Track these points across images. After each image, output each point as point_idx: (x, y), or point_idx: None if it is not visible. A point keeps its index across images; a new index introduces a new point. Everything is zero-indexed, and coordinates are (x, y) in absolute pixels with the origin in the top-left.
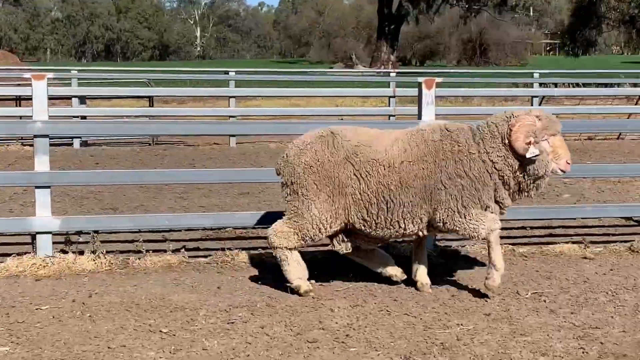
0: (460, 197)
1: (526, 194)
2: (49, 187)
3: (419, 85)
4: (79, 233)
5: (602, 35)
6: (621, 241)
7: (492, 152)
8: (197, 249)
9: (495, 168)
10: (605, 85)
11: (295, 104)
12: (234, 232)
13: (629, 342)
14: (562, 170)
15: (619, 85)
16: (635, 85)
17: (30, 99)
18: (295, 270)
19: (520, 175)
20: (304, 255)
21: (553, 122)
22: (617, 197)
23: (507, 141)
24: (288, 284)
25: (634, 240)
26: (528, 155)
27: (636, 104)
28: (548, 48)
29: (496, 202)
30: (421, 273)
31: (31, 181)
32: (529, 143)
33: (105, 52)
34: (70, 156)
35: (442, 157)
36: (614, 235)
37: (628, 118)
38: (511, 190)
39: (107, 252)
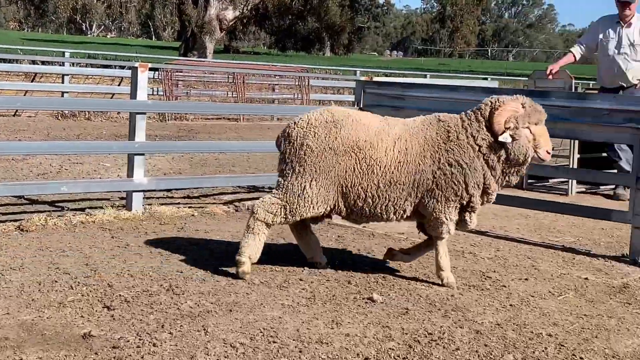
0: (445, 187)
1: (507, 179)
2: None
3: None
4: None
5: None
6: (11, 220)
7: (477, 136)
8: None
9: (480, 152)
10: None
11: None
12: None
13: (12, 325)
14: (541, 159)
15: (18, 61)
16: (34, 62)
17: None
18: (253, 249)
19: (504, 160)
20: None
21: (537, 111)
22: (9, 175)
23: (488, 124)
24: (237, 256)
25: (23, 219)
26: (500, 139)
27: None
28: None
29: (483, 189)
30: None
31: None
32: (508, 127)
33: None
34: None
35: (437, 150)
36: (4, 214)
37: (25, 95)
38: (497, 176)
39: None
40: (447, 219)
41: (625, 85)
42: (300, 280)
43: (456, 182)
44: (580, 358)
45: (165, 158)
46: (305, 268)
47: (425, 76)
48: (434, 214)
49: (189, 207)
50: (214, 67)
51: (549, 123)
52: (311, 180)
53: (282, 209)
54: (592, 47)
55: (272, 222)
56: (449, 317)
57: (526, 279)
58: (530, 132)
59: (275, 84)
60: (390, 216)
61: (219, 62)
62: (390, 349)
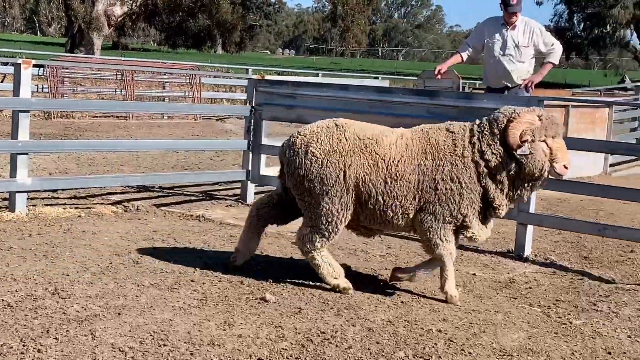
0: (442, 202)
1: (520, 194)
2: None
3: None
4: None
5: None
6: None
7: (487, 150)
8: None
9: (488, 167)
10: None
11: None
12: None
13: None
14: (558, 174)
15: None
16: None
17: None
18: (331, 272)
19: (515, 174)
20: None
21: (554, 124)
22: None
23: (503, 137)
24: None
25: None
26: (518, 153)
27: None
28: None
29: (488, 204)
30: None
31: None
32: (525, 141)
33: None
34: None
35: (441, 157)
36: None
37: None
38: (506, 190)
39: None
40: (442, 240)
41: (510, 85)
42: (192, 281)
43: (452, 201)
44: (469, 353)
45: (51, 157)
46: (197, 269)
47: (317, 75)
48: (428, 233)
49: (76, 208)
50: (102, 63)
51: (438, 122)
52: (326, 192)
53: (315, 235)
54: (479, 48)
55: (319, 247)
56: (341, 315)
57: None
58: (547, 145)
59: (166, 82)
60: (398, 220)
61: (107, 59)
62: (283, 349)
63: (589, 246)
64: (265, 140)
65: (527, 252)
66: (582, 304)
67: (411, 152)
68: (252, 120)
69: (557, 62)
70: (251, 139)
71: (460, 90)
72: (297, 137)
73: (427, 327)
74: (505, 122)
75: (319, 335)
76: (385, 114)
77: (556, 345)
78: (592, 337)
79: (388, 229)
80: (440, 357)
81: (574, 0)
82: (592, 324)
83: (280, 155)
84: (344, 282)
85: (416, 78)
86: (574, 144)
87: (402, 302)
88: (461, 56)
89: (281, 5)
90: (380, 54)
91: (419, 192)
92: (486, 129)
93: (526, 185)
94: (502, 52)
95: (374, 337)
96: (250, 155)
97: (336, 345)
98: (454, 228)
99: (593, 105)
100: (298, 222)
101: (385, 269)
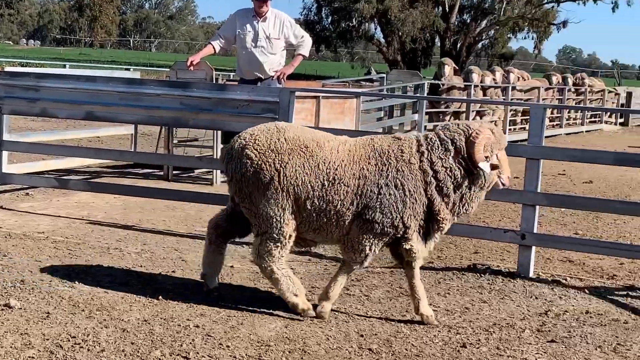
0: (385, 207)
1: (466, 207)
2: None
3: None
4: None
5: None
6: None
7: (437, 162)
8: None
9: (435, 178)
10: None
11: None
12: None
13: None
14: (503, 184)
15: None
16: None
17: None
18: (291, 287)
19: (466, 187)
20: None
21: (503, 137)
22: None
23: (462, 153)
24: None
25: None
26: (486, 169)
27: None
28: None
29: (432, 217)
30: None
31: None
32: (487, 156)
33: None
34: None
35: (385, 162)
36: None
37: None
38: (451, 205)
39: None
40: (370, 250)
41: (262, 77)
42: None
43: (394, 209)
44: (227, 346)
45: None
46: None
47: (64, 66)
48: (358, 233)
49: None
50: None
51: (191, 114)
52: (263, 195)
53: (267, 242)
54: (230, 39)
55: (275, 259)
56: (93, 317)
57: (174, 272)
58: (497, 158)
59: None
60: (332, 227)
61: None
62: (29, 357)
63: None
64: (7, 136)
65: None
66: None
67: (353, 157)
68: None
69: (307, 54)
70: None
71: (214, 81)
72: (236, 141)
73: (184, 323)
74: (464, 139)
75: (69, 340)
76: (135, 106)
77: (312, 332)
78: (346, 322)
79: (322, 237)
80: (197, 353)
81: None
82: (345, 308)
83: (220, 162)
84: (303, 302)
85: (169, 69)
86: None
87: (158, 299)
88: (213, 47)
89: None
90: (132, 45)
91: (358, 198)
92: (437, 144)
93: (475, 199)
94: (254, 44)
95: (129, 338)
96: None
97: (88, 350)
98: (389, 240)
99: (342, 96)
100: (44, 221)
101: (141, 266)
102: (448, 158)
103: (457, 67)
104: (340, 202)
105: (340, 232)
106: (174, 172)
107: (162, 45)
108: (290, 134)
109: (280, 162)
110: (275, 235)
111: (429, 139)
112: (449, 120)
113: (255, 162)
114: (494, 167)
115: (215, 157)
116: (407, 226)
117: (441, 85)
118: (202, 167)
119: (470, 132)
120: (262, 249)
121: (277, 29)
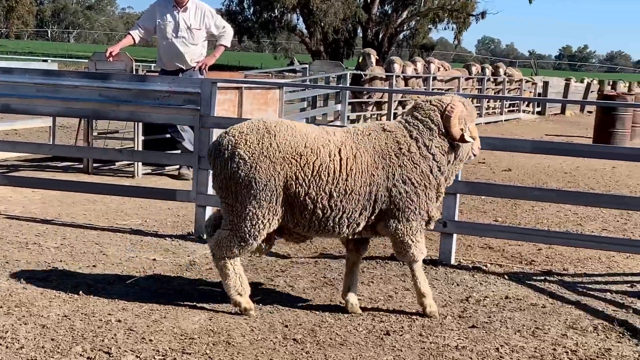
0: (404, 205)
1: (449, 181)
2: None
3: None
4: None
5: None
6: None
7: (431, 145)
8: None
9: (435, 160)
10: None
11: None
12: None
13: None
14: (474, 155)
15: None
16: None
17: None
18: (236, 285)
19: (452, 162)
20: None
21: (473, 109)
22: None
23: (441, 129)
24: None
25: None
26: (467, 139)
27: None
28: None
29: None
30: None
31: None
32: (462, 129)
33: None
34: None
35: (389, 162)
36: None
37: None
38: (445, 180)
39: None
40: (413, 241)
41: (184, 67)
42: None
43: (412, 201)
44: (150, 340)
45: None
46: None
47: None
48: (397, 236)
49: None
50: None
51: (111, 106)
52: (253, 199)
53: (234, 238)
54: (150, 30)
55: (231, 255)
56: (12, 314)
57: (95, 266)
58: (469, 130)
59: None
60: (342, 229)
61: None
62: None
63: None
64: None
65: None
66: (261, 280)
67: (360, 164)
68: None
69: (229, 45)
70: None
71: (134, 73)
72: (224, 137)
73: (105, 318)
74: (439, 114)
75: None
76: (53, 98)
77: (236, 324)
78: (270, 312)
79: (327, 236)
80: (120, 348)
81: None
82: (270, 300)
83: (208, 156)
84: (247, 303)
85: (87, 60)
86: None
87: (79, 294)
88: (132, 37)
89: None
90: (50, 36)
91: (372, 203)
92: (421, 126)
93: (455, 171)
94: (174, 34)
95: (49, 334)
96: None
97: (7, 347)
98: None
99: (265, 87)
100: None
101: (61, 260)
102: (435, 137)
103: (378, 58)
104: (352, 209)
105: (354, 231)
106: (94, 164)
107: (80, 36)
108: (281, 139)
109: (273, 169)
110: (246, 236)
111: (413, 124)
112: (371, 110)
113: (249, 164)
114: (466, 140)
115: (136, 149)
116: (430, 214)
117: (363, 76)
118: (123, 160)
119: (444, 107)
120: (225, 242)
121: (198, 19)
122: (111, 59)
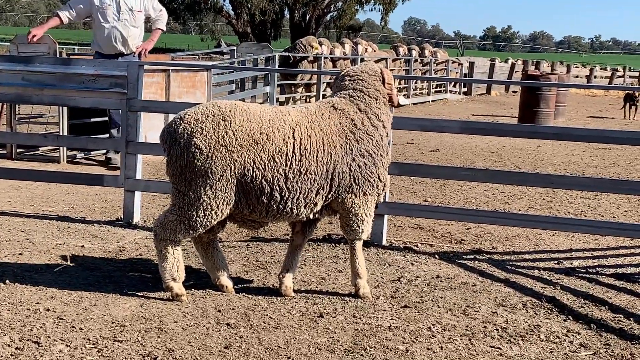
0: (362, 180)
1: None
2: None
3: None
4: None
5: None
6: None
7: (380, 113)
8: None
9: (384, 127)
10: None
11: None
12: None
13: None
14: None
15: None
16: None
17: None
18: (172, 270)
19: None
20: None
21: (391, 72)
22: None
23: (385, 97)
24: (163, 283)
25: None
26: (402, 103)
27: None
28: None
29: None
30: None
31: None
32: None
33: None
34: None
35: (345, 140)
36: None
37: None
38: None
39: None
40: (367, 215)
41: (125, 52)
42: None
43: (371, 173)
44: (80, 329)
45: None
46: None
47: None
48: (353, 210)
49: None
50: None
51: (34, 90)
52: (209, 189)
53: (182, 224)
54: (82, 13)
55: (175, 239)
56: None
57: (21, 254)
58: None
59: None
60: (300, 212)
61: None
62: None
63: None
64: None
65: (137, 218)
66: (193, 265)
67: (315, 144)
68: None
69: (164, 29)
70: None
71: (57, 56)
72: (179, 124)
73: (33, 307)
74: (382, 83)
75: None
76: None
77: (168, 310)
78: (203, 297)
79: (283, 220)
80: (49, 337)
81: None
82: (202, 284)
83: (161, 141)
84: (179, 289)
85: (9, 44)
86: (177, 108)
87: (5, 283)
88: (60, 18)
89: None
90: None
91: (329, 182)
92: (367, 97)
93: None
94: (116, 17)
95: None
96: None
97: None
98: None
99: (193, 70)
100: None
101: None
102: (382, 105)
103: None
104: (307, 190)
105: (311, 211)
106: (18, 150)
107: (1, 19)
108: (237, 125)
109: (230, 158)
110: (194, 223)
111: (358, 97)
112: (300, 92)
113: (205, 154)
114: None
115: (61, 133)
116: (384, 183)
117: (292, 58)
118: (48, 145)
119: (383, 76)
120: (171, 224)
121: (139, 1)
122: (34, 40)
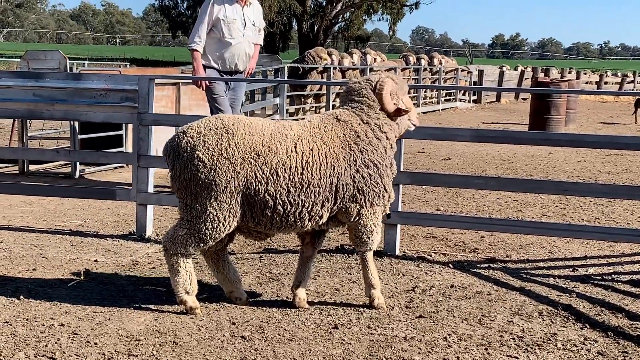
0: (367, 190)
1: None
2: None
3: None
4: None
5: None
6: None
7: (382, 124)
8: None
9: (387, 139)
10: None
11: None
12: None
13: None
14: (414, 125)
15: None
16: None
17: None
18: (185, 284)
19: (396, 136)
20: None
21: (405, 83)
22: None
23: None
24: (177, 298)
25: None
26: (403, 113)
27: None
28: None
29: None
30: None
31: None
32: (395, 104)
33: None
34: None
35: (349, 151)
36: None
37: None
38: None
39: None
40: (375, 226)
41: (240, 70)
42: None
43: (377, 183)
44: (95, 344)
45: None
46: None
47: None
48: (361, 222)
49: None
50: None
51: (45, 105)
52: (214, 201)
53: (192, 238)
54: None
55: (186, 253)
56: None
57: (34, 269)
58: (403, 103)
59: None
60: (305, 223)
61: None
62: None
63: None
64: None
65: (149, 232)
66: (206, 278)
67: (318, 157)
68: None
69: (262, 43)
70: None
71: (68, 71)
72: (182, 138)
73: (48, 322)
74: (373, 93)
75: None
76: None
77: (182, 323)
78: (217, 310)
79: (290, 232)
80: (64, 353)
81: None
82: (216, 297)
83: (164, 156)
84: (193, 302)
85: (20, 60)
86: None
87: (19, 299)
88: (199, 52)
89: None
90: None
91: (334, 194)
92: (364, 108)
93: (395, 144)
94: (242, 33)
95: None
96: None
97: None
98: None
99: None
100: None
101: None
102: (383, 116)
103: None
104: (311, 203)
105: (317, 223)
106: (30, 165)
107: (11, 35)
108: (239, 138)
109: (233, 170)
110: (203, 236)
111: (359, 108)
112: (310, 102)
113: (209, 167)
114: (404, 112)
115: (73, 148)
116: (389, 194)
117: (301, 69)
118: (60, 160)
119: (374, 84)
120: (181, 238)
121: (257, 15)
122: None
